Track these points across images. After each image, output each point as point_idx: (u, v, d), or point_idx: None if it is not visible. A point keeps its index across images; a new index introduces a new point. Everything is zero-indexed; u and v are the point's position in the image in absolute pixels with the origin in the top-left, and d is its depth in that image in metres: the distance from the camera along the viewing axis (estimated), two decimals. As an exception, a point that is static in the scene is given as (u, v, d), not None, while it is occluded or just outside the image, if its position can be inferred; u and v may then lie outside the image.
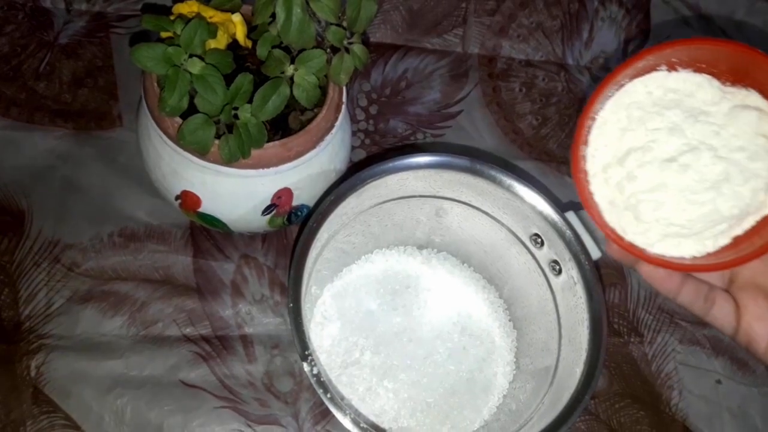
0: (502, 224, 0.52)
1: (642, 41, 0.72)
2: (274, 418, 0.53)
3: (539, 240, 0.50)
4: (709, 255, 0.38)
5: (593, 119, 0.39)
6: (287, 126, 0.48)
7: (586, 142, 0.40)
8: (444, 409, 0.52)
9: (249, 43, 0.47)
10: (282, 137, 0.46)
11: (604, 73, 0.70)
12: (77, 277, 0.55)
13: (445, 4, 0.71)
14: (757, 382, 0.59)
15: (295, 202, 0.50)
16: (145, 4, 0.65)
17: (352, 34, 0.45)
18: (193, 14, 0.44)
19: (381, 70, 0.67)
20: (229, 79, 0.43)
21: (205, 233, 0.58)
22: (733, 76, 0.37)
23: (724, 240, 0.38)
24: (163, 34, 0.44)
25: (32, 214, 0.56)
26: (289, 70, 0.45)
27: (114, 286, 0.55)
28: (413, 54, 0.68)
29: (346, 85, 0.48)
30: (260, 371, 0.54)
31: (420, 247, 0.58)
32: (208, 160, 0.45)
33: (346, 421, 0.41)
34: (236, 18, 0.46)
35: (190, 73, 0.42)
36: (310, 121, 0.47)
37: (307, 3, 0.42)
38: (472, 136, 0.66)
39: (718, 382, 0.59)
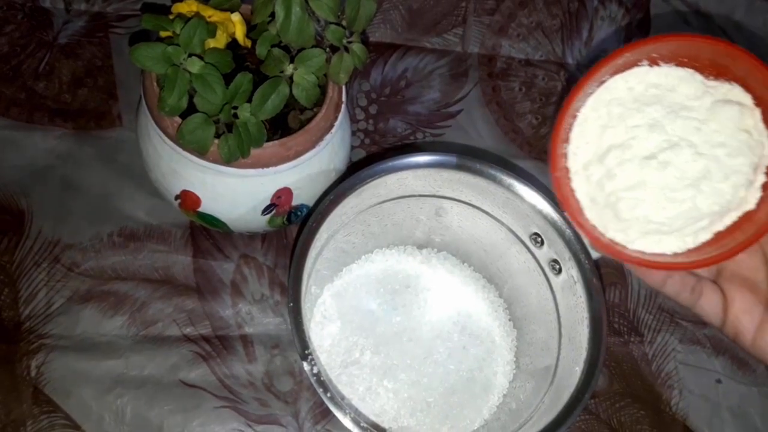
0: (502, 223, 0.52)
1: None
2: (274, 418, 0.53)
3: (539, 239, 0.49)
4: (690, 251, 0.38)
5: (574, 117, 0.39)
6: (287, 125, 0.48)
7: (567, 140, 0.40)
8: (444, 409, 0.52)
9: (248, 43, 0.47)
10: (281, 137, 0.46)
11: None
12: (77, 276, 0.55)
13: (445, 4, 0.71)
14: (757, 382, 0.59)
15: (294, 202, 0.50)
16: (144, 4, 0.65)
17: (351, 33, 0.45)
18: (193, 13, 0.44)
19: (380, 69, 0.67)
20: (228, 79, 0.43)
21: (205, 233, 0.58)
22: (715, 70, 0.36)
23: (706, 236, 0.37)
24: (163, 34, 0.44)
25: (32, 213, 0.56)
26: (289, 69, 0.45)
27: (114, 285, 0.55)
28: (413, 53, 0.68)
29: (346, 85, 0.48)
30: (260, 371, 0.54)
31: (420, 247, 0.58)
32: (208, 160, 0.45)
33: (346, 421, 0.41)
34: (235, 17, 0.46)
35: (190, 72, 0.42)
36: (309, 120, 0.47)
37: (307, 2, 0.42)
38: (471, 136, 0.66)
39: (718, 381, 0.59)
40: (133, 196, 0.58)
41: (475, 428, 0.52)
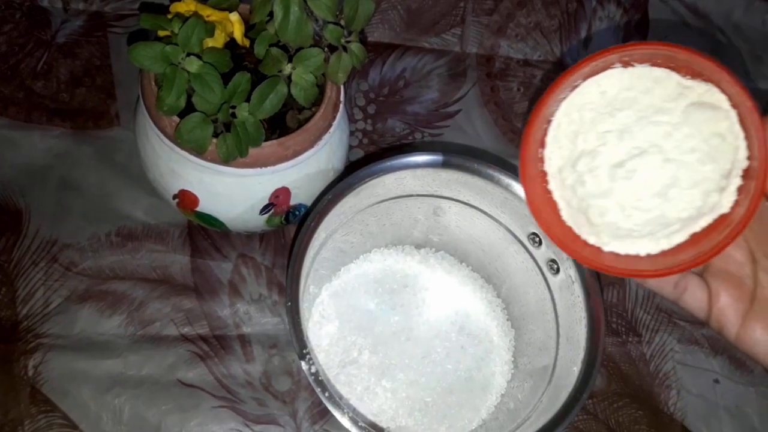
0: (500, 223, 0.52)
1: (640, 41, 0.72)
2: (271, 418, 0.53)
3: (537, 239, 0.50)
4: (664, 252, 0.37)
5: (549, 121, 0.39)
6: (285, 125, 0.48)
7: (543, 144, 0.39)
8: (442, 408, 0.52)
9: (246, 42, 0.47)
10: (279, 136, 0.46)
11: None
12: (75, 276, 0.55)
13: (443, 4, 0.71)
14: (755, 382, 0.59)
15: (292, 202, 0.50)
16: (142, 3, 0.65)
17: (350, 33, 0.45)
18: (191, 13, 0.44)
19: (379, 69, 0.67)
20: (226, 78, 0.43)
21: (203, 232, 0.58)
22: (692, 70, 0.36)
23: (681, 238, 0.37)
24: (161, 33, 0.44)
25: (30, 213, 0.56)
26: (287, 68, 0.45)
27: (112, 285, 0.55)
28: (411, 53, 0.68)
29: (344, 84, 0.48)
30: (258, 371, 0.54)
31: (418, 247, 0.58)
32: (206, 159, 0.45)
33: (344, 420, 0.41)
34: (234, 17, 0.46)
35: (188, 71, 0.42)
36: (307, 120, 0.47)
37: (305, 1, 0.42)
38: (470, 136, 0.66)
39: (716, 381, 0.59)
40: (131, 196, 0.58)
41: (473, 428, 0.52)
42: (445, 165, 0.48)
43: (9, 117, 0.59)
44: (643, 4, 0.74)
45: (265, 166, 0.46)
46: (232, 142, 0.43)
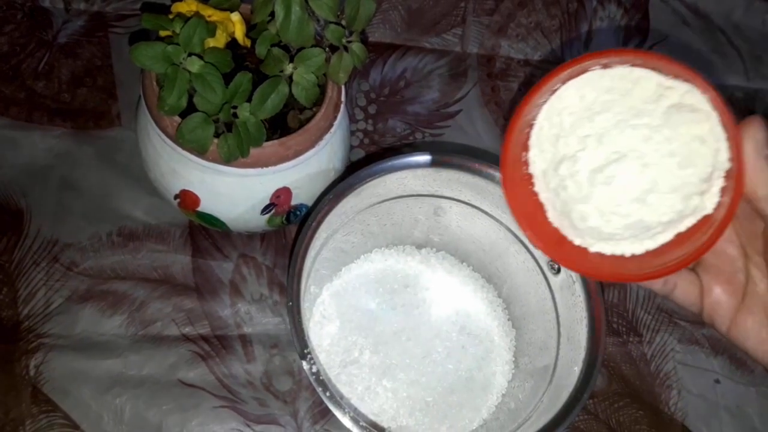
0: (501, 223, 0.52)
1: (641, 41, 0.73)
2: (272, 418, 0.53)
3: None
4: (650, 252, 0.37)
5: (531, 125, 0.39)
6: (286, 125, 0.48)
7: (526, 148, 0.39)
8: (443, 408, 0.52)
9: (248, 42, 0.47)
10: (281, 136, 0.46)
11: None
12: (76, 276, 0.55)
13: (444, 4, 0.71)
14: (756, 382, 0.59)
15: (293, 202, 0.50)
16: (143, 3, 0.65)
17: (351, 33, 0.45)
18: (192, 13, 0.44)
19: (380, 69, 0.67)
20: (228, 78, 0.43)
21: (204, 232, 0.58)
22: (673, 71, 0.35)
23: (666, 238, 0.36)
24: (162, 33, 0.44)
25: (31, 213, 0.56)
26: (288, 68, 0.45)
27: (113, 285, 0.55)
28: (412, 53, 0.68)
29: (345, 85, 0.48)
30: (259, 371, 0.54)
31: (419, 247, 0.58)
32: (207, 159, 0.45)
33: (345, 420, 0.41)
34: (235, 17, 0.46)
35: (189, 71, 0.42)
36: (308, 120, 0.47)
37: (306, 1, 0.42)
38: (470, 136, 0.66)
39: (717, 381, 0.59)
40: (132, 196, 0.58)
41: (474, 428, 0.52)
42: (445, 165, 0.48)
43: (10, 117, 0.59)
44: (644, 4, 0.74)
45: (267, 166, 0.46)
46: (233, 142, 0.43)
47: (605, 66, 0.36)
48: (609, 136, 0.36)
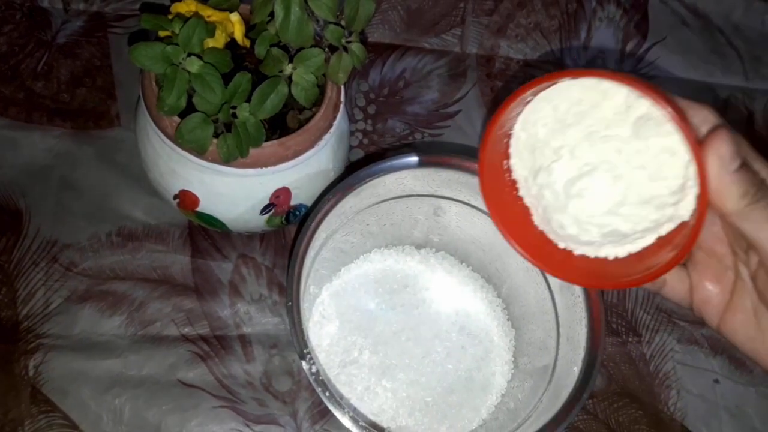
0: (501, 223, 0.52)
1: (640, 41, 0.73)
2: (272, 418, 0.53)
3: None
4: (631, 255, 0.37)
5: (509, 136, 0.39)
6: (285, 125, 0.48)
7: (507, 156, 0.39)
8: (442, 408, 0.52)
9: (247, 42, 0.47)
10: (280, 136, 0.46)
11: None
12: (75, 276, 0.55)
13: (443, 4, 0.71)
14: (755, 382, 0.59)
15: (293, 202, 0.50)
16: (143, 4, 0.65)
17: (350, 33, 0.45)
18: (191, 13, 0.44)
19: (379, 70, 0.67)
20: (227, 78, 0.43)
21: (203, 233, 0.58)
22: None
23: (647, 242, 0.36)
24: (162, 33, 0.44)
25: (30, 213, 0.56)
26: (288, 69, 0.45)
27: (112, 285, 0.55)
28: (411, 54, 0.69)
29: (344, 85, 0.48)
30: (258, 371, 0.54)
31: (418, 247, 0.58)
32: (207, 159, 0.45)
33: (345, 420, 0.41)
34: (234, 17, 0.46)
35: (189, 72, 0.42)
36: (308, 120, 0.47)
37: (306, 2, 0.42)
38: (470, 136, 0.66)
39: (716, 381, 0.59)
40: (132, 196, 0.58)
41: (474, 428, 0.52)
42: (445, 165, 0.48)
43: (9, 117, 0.59)
44: (643, 4, 0.74)
45: (266, 166, 0.46)
46: (232, 143, 0.43)
47: (574, 76, 0.35)
48: (581, 148, 0.36)
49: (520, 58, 0.70)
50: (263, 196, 0.48)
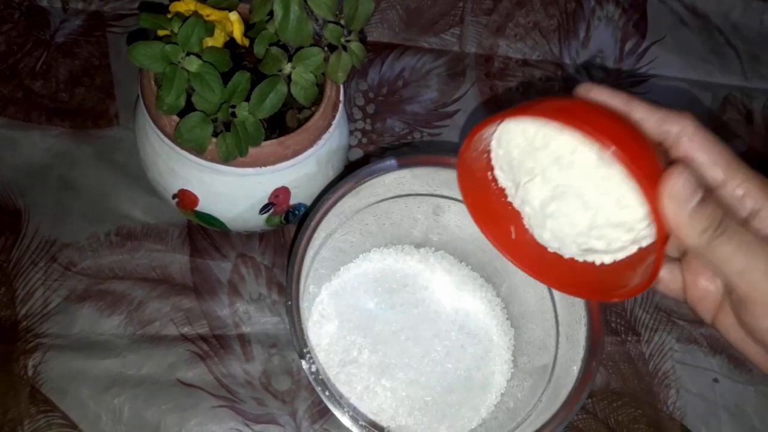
0: (500, 222, 0.52)
1: (639, 40, 0.73)
2: (271, 417, 0.53)
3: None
4: (617, 263, 0.37)
5: (488, 150, 0.39)
6: (284, 124, 0.48)
7: (491, 168, 0.40)
8: (442, 408, 0.52)
9: (246, 42, 0.47)
10: (279, 136, 0.46)
11: (601, 73, 0.71)
12: (74, 276, 0.55)
13: (442, 4, 0.71)
14: (754, 381, 0.59)
15: (292, 201, 0.50)
16: (141, 3, 0.65)
17: (349, 32, 0.45)
18: (190, 12, 0.44)
19: (378, 69, 0.67)
20: (226, 78, 0.43)
21: (203, 232, 0.58)
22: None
23: (630, 251, 0.36)
24: (161, 33, 0.44)
25: (29, 213, 0.56)
26: (287, 68, 0.45)
27: (111, 285, 0.55)
28: (410, 53, 0.68)
29: (344, 84, 0.48)
30: (258, 370, 0.54)
31: (417, 246, 0.58)
32: (206, 159, 0.45)
33: (344, 419, 0.41)
34: (233, 16, 0.46)
35: (188, 71, 0.42)
36: (307, 119, 0.47)
37: (305, 1, 0.42)
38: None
39: (715, 380, 0.59)
40: (131, 196, 0.58)
41: (473, 427, 0.52)
42: (444, 164, 0.48)
43: (8, 117, 0.59)
44: (642, 3, 0.74)
45: (265, 165, 0.46)
46: (231, 142, 0.43)
47: (519, 116, 0.35)
48: (550, 172, 0.36)
49: (519, 57, 0.70)
50: (262, 195, 0.48)
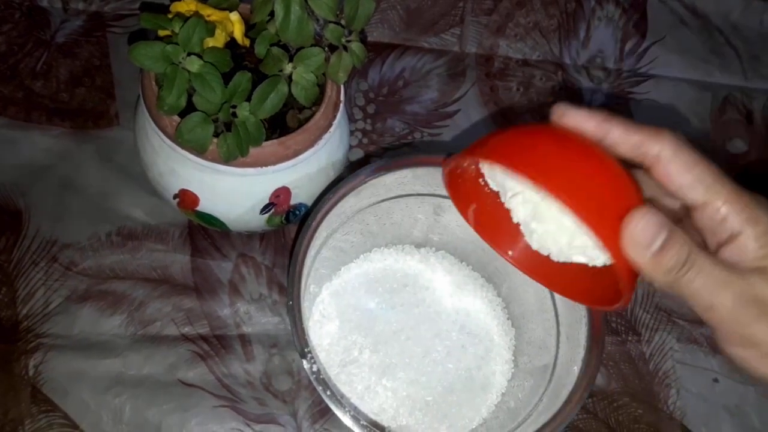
0: (500, 222, 0.52)
1: (639, 40, 0.73)
2: (272, 417, 0.53)
3: (537, 238, 0.50)
4: (606, 266, 0.37)
5: (476, 161, 0.40)
6: (285, 124, 0.48)
7: (480, 174, 0.40)
8: (442, 408, 0.52)
9: (247, 42, 0.47)
10: (280, 136, 0.46)
11: (601, 73, 0.71)
12: (75, 276, 0.55)
13: (443, 4, 0.71)
14: (754, 381, 0.59)
15: (293, 201, 0.50)
16: (142, 3, 0.65)
17: (350, 33, 0.45)
18: (191, 12, 0.44)
19: (378, 69, 0.67)
20: (227, 78, 0.43)
21: (203, 232, 0.58)
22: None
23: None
24: (161, 33, 0.44)
25: (30, 213, 0.56)
26: (288, 68, 0.45)
27: (112, 285, 0.55)
28: (411, 53, 0.69)
29: (344, 84, 0.48)
30: (259, 370, 0.54)
31: (418, 246, 0.58)
32: (207, 159, 0.45)
33: (346, 419, 0.41)
34: (234, 16, 0.46)
35: (189, 71, 0.42)
36: (308, 119, 0.47)
37: (306, 1, 0.42)
38: (469, 136, 0.66)
39: (716, 380, 0.59)
40: (132, 196, 0.58)
41: (474, 427, 0.52)
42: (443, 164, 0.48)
43: (8, 117, 0.59)
44: (642, 3, 0.74)
45: (266, 165, 0.46)
46: (232, 142, 0.43)
47: (481, 159, 0.36)
48: (529, 192, 0.36)
49: (519, 57, 0.70)
50: (263, 195, 0.48)
